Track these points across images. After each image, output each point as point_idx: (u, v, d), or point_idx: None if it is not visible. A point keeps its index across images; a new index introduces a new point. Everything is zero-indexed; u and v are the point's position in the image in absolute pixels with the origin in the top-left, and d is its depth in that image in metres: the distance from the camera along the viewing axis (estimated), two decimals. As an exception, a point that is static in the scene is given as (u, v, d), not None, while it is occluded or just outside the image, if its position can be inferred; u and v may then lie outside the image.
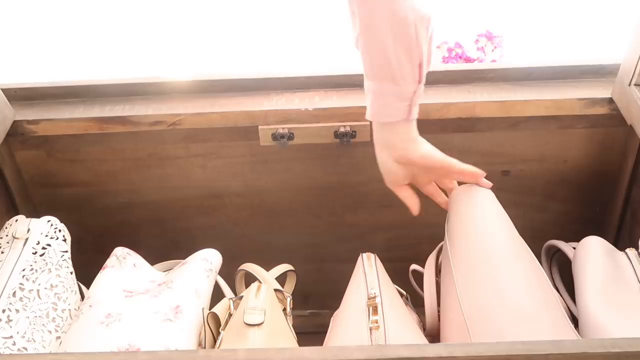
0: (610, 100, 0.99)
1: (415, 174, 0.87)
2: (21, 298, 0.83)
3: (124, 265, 0.92)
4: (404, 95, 0.77)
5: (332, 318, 0.90)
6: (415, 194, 0.88)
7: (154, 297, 0.85)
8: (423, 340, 0.82)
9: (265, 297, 0.83)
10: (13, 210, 1.07)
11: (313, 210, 1.13)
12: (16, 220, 0.92)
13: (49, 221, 0.92)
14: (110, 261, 0.93)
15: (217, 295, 0.93)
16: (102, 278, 0.90)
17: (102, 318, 0.83)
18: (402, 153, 0.83)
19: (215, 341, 0.81)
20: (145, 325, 0.81)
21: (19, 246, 0.88)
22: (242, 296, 0.85)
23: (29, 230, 0.90)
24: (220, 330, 0.81)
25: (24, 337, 0.80)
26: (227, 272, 0.97)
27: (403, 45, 0.73)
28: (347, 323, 0.83)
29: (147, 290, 0.88)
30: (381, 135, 0.83)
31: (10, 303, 0.82)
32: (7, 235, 0.90)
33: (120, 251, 0.94)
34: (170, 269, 0.95)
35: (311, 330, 0.87)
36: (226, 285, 0.99)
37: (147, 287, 0.90)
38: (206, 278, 0.90)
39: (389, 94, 0.77)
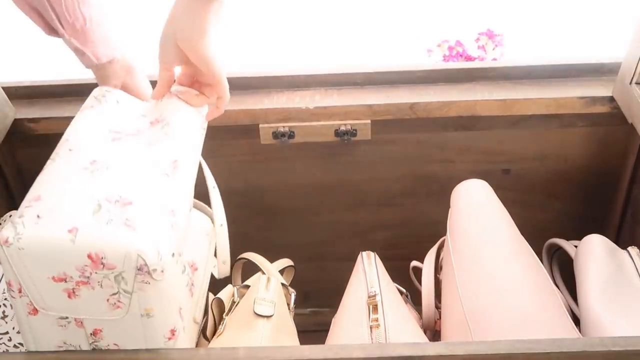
0: (611, 99, 0.99)
1: (187, 62, 0.79)
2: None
3: (104, 103, 0.79)
4: None
5: (333, 318, 0.90)
6: (171, 82, 0.80)
7: (149, 146, 0.74)
8: (423, 338, 0.82)
9: (275, 290, 0.83)
10: (13, 209, 1.07)
11: (313, 209, 1.13)
12: (10, 216, 0.92)
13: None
14: (89, 102, 0.79)
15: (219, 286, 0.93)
16: (82, 119, 0.77)
17: (85, 164, 0.70)
18: (187, 44, 0.75)
19: (216, 327, 0.81)
20: (138, 177, 0.70)
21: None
22: (247, 285, 0.84)
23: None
24: (224, 316, 0.81)
25: (19, 332, 0.80)
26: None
27: None
28: (348, 322, 0.83)
29: (139, 130, 0.76)
30: (180, 6, 0.75)
31: (5, 299, 0.82)
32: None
33: (98, 91, 0.81)
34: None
35: (312, 329, 0.87)
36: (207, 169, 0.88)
37: (138, 125, 0.77)
38: (200, 136, 0.81)
39: None
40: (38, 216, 0.64)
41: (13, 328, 0.80)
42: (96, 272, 0.63)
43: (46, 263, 0.63)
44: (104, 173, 0.69)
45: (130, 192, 0.67)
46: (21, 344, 0.80)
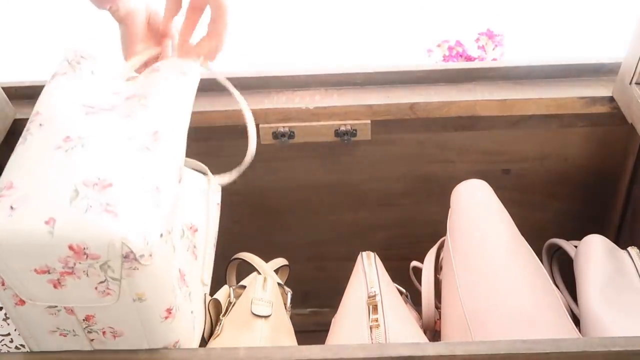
0: (611, 99, 0.99)
1: None
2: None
3: (79, 72, 0.73)
4: None
5: (333, 318, 0.90)
6: (178, 9, 0.79)
7: (126, 118, 0.69)
8: (423, 338, 0.82)
9: (272, 290, 0.83)
10: (13, 209, 1.06)
11: (313, 209, 1.13)
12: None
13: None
14: (62, 67, 0.74)
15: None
16: (53, 89, 0.72)
17: (58, 142, 0.65)
18: None
19: (212, 328, 0.81)
20: (117, 153, 0.65)
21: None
22: (243, 285, 0.84)
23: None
24: (220, 317, 0.81)
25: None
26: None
27: None
28: (347, 322, 0.83)
29: (114, 106, 0.71)
30: None
31: (8, 300, 0.82)
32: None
33: (72, 54, 0.75)
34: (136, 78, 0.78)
35: (311, 329, 0.87)
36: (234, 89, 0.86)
37: (112, 101, 0.72)
38: (189, 99, 0.76)
39: None
40: (11, 207, 0.60)
41: (15, 330, 0.80)
42: (80, 263, 0.60)
43: (26, 256, 0.60)
44: (79, 152, 0.64)
45: (109, 172, 0.63)
46: (22, 346, 0.80)
